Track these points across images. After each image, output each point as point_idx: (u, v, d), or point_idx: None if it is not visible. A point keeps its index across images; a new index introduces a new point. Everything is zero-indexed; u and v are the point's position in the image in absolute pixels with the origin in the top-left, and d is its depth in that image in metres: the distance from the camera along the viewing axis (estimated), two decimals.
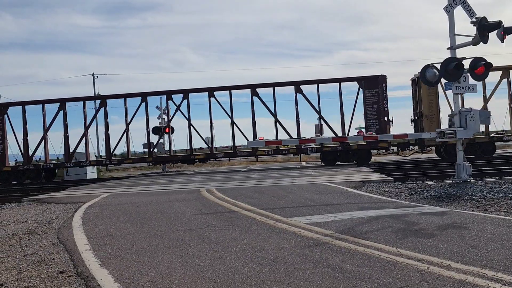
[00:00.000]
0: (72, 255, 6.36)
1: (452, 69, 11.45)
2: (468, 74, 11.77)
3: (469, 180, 12.07)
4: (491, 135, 24.18)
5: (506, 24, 11.41)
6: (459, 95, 12.29)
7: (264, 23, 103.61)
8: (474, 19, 11.28)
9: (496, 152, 24.94)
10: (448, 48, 11.93)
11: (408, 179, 14.69)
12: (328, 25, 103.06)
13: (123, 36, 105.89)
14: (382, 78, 24.36)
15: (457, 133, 11.84)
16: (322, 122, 25.13)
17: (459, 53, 11.92)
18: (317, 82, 25.13)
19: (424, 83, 12.49)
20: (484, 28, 11.15)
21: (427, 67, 12.06)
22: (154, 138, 27.35)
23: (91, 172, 33.07)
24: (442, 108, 24.37)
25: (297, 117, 24.97)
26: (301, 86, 25.13)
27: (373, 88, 24.22)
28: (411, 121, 26.07)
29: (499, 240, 5.80)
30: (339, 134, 24.47)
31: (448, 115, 12.34)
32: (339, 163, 24.73)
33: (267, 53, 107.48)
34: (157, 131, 27.58)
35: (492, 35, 11.48)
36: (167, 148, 27.19)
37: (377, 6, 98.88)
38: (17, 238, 8.12)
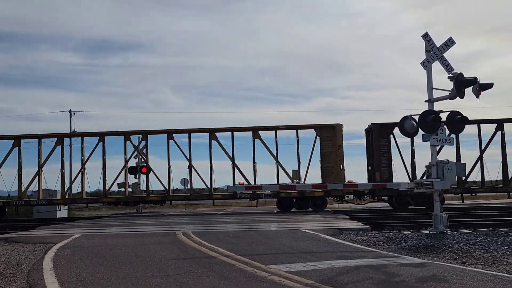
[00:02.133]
0: None
1: (430, 122, 11.76)
2: (445, 126, 12.10)
3: (445, 231, 12.17)
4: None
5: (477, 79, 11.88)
6: (436, 147, 12.54)
7: (246, 68, 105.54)
8: (451, 75, 11.72)
9: (468, 202, 25.38)
10: (426, 101, 12.30)
11: (385, 228, 14.73)
12: (309, 72, 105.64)
13: (104, 74, 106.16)
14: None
15: (434, 184, 12.02)
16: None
17: (436, 106, 12.28)
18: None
19: (403, 134, 12.76)
20: (461, 84, 11.57)
21: (405, 119, 12.36)
22: (131, 178, 27.04)
23: (62, 210, 32.22)
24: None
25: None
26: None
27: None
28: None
29: None
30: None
31: (426, 166, 12.56)
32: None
33: (248, 97, 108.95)
34: (133, 170, 27.23)
35: (468, 90, 11.92)
36: (143, 188, 26.78)
37: (356, 56, 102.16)
38: None
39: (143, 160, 27.17)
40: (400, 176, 24.46)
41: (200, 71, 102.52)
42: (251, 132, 25.41)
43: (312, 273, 7.26)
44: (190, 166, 25.41)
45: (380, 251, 10.02)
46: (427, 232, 12.85)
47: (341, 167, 24.34)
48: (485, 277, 6.96)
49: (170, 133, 25.73)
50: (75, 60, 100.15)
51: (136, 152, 27.01)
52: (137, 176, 27.30)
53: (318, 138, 24.91)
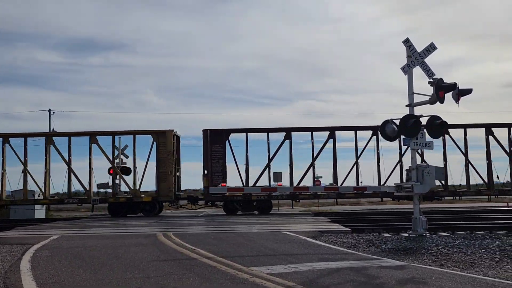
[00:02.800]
0: None
1: (410, 126, 11.93)
2: (425, 130, 12.28)
3: (424, 234, 12.34)
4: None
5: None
6: (416, 151, 12.72)
7: (228, 70, 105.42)
8: (431, 80, 11.90)
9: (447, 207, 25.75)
10: (406, 105, 12.46)
11: (365, 231, 14.84)
12: (291, 75, 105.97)
13: (85, 74, 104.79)
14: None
15: (414, 188, 12.18)
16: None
17: (417, 111, 12.46)
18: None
19: (384, 138, 12.91)
20: (441, 89, 11.76)
21: (386, 122, 12.51)
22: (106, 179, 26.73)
23: (39, 210, 31.65)
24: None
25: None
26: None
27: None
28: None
29: None
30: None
31: (406, 170, 12.72)
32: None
33: (230, 99, 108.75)
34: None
35: (447, 95, 12.12)
36: (123, 189, 26.49)
37: (338, 61, 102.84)
38: None
39: (123, 161, 26.90)
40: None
41: (184, 72, 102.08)
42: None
43: (294, 275, 7.29)
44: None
45: (361, 253, 10.11)
46: (407, 235, 13.01)
47: (170, 173, 24.38)
48: (463, 279, 7.08)
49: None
50: (55, 59, 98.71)
51: (117, 153, 26.71)
52: (117, 176, 26.96)
53: (155, 143, 24.92)
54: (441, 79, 11.88)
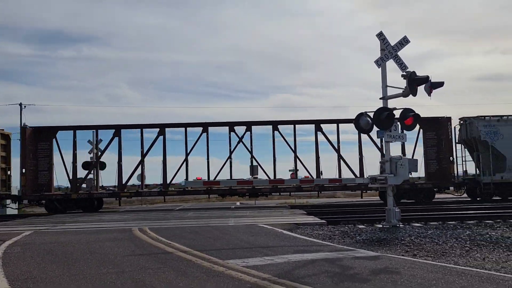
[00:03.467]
0: None
1: (384, 119, 12.08)
2: (399, 123, 12.45)
3: (398, 225, 12.55)
4: None
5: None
6: (390, 143, 12.89)
7: (204, 63, 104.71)
8: (404, 73, 12.07)
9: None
10: (380, 98, 12.61)
11: (341, 223, 15.01)
12: (266, 69, 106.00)
13: (56, 67, 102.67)
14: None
15: (387, 179, 12.36)
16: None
17: (390, 104, 12.62)
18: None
19: (358, 130, 13.07)
20: (414, 82, 11.94)
21: (361, 115, 12.64)
22: (84, 173, 26.38)
23: (10, 207, 30.98)
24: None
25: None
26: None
27: None
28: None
29: (429, 286, 6.01)
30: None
31: (380, 162, 12.91)
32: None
33: (205, 92, 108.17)
34: (87, 166, 26.58)
35: (420, 88, 12.30)
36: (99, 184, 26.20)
37: (314, 54, 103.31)
38: None
39: (99, 155, 26.58)
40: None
41: (158, 66, 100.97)
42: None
43: (269, 267, 7.33)
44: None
45: (336, 245, 10.23)
46: (381, 226, 13.21)
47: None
48: (435, 268, 7.23)
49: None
50: (25, 52, 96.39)
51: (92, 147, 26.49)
52: (93, 171, 26.63)
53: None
54: (414, 72, 12.05)
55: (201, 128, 25.36)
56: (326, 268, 7.25)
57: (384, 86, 12.61)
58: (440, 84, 12.29)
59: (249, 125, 25.28)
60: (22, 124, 42.58)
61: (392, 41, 12.73)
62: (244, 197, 26.00)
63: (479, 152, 24.23)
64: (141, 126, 25.57)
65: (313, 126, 25.31)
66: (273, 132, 25.11)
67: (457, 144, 24.92)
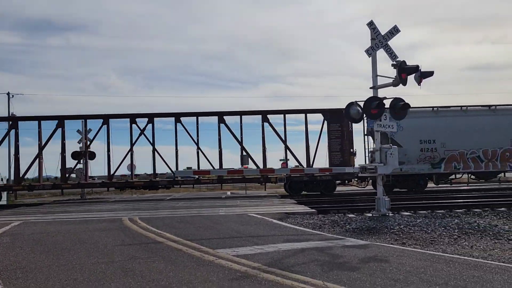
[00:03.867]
0: None
1: (374, 108, 12.10)
2: (389, 112, 12.48)
3: (387, 214, 12.63)
4: None
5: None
6: (379, 133, 12.93)
7: (193, 52, 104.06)
8: (394, 62, 12.07)
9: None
10: (370, 88, 12.62)
11: (331, 212, 15.08)
12: (256, 58, 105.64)
13: (43, 55, 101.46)
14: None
15: (377, 169, 12.42)
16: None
17: (381, 93, 12.63)
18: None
19: (348, 120, 13.08)
20: (404, 71, 11.95)
21: (351, 105, 12.64)
22: (72, 164, 26.26)
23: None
24: None
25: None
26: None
27: None
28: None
29: (417, 273, 6.07)
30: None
31: (370, 151, 12.95)
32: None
33: (195, 82, 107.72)
34: (77, 156, 26.42)
35: (410, 78, 12.33)
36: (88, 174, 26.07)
37: (304, 43, 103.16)
38: None
39: (88, 145, 26.41)
40: None
41: (146, 54, 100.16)
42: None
43: (259, 256, 7.35)
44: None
45: (326, 234, 10.28)
46: (370, 215, 13.29)
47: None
48: (423, 256, 7.30)
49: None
50: (12, 40, 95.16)
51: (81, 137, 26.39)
52: (81, 161, 26.48)
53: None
54: (404, 61, 12.06)
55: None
56: (316, 257, 7.29)
57: (375, 75, 12.61)
58: (430, 74, 12.32)
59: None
60: (10, 113, 42.26)
61: (383, 31, 12.73)
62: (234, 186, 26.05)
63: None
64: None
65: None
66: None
67: (365, 136, 24.93)
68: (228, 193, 31.22)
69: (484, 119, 24.70)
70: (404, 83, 12.04)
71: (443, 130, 24.32)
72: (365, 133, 24.65)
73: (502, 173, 26.27)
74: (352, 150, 24.45)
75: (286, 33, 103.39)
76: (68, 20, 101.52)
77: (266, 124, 25.16)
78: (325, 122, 24.75)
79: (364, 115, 12.72)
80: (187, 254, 7.72)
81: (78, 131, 27.92)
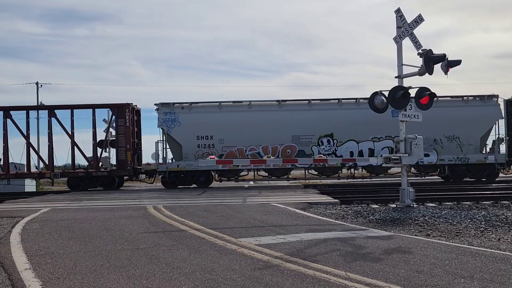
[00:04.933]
0: (10, 274, 6.00)
1: (399, 98, 11.93)
2: (413, 102, 12.29)
3: (412, 205, 12.50)
4: None
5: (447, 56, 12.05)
6: (404, 123, 12.74)
7: (214, 40, 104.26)
8: (420, 51, 11.85)
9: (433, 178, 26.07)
10: (396, 77, 12.44)
11: (354, 202, 15.01)
12: (278, 46, 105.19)
13: (69, 45, 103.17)
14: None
15: (402, 159, 12.27)
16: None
17: (406, 82, 12.44)
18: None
19: (373, 110, 12.91)
20: (430, 60, 11.72)
21: (375, 94, 12.49)
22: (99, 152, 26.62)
23: (30, 185, 31.58)
24: None
25: None
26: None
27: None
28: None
29: (442, 266, 6.00)
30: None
31: (394, 142, 12.80)
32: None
33: (216, 70, 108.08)
34: (102, 144, 26.81)
35: (436, 66, 12.09)
36: (113, 162, 26.45)
37: (324, 31, 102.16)
38: None
39: (112, 134, 26.77)
40: None
41: (169, 43, 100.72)
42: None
43: (282, 246, 7.38)
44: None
45: (349, 224, 10.25)
46: (394, 206, 13.17)
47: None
48: (448, 248, 7.21)
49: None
50: (38, 30, 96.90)
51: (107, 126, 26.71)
52: (107, 150, 26.87)
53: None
54: (430, 50, 11.82)
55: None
56: (338, 247, 7.28)
57: (400, 64, 12.41)
58: (457, 62, 12.06)
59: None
60: (39, 103, 43.21)
61: (409, 19, 12.49)
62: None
63: (161, 140, 24.16)
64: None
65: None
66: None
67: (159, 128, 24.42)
68: (251, 182, 31.31)
69: (268, 114, 23.87)
70: (431, 72, 11.83)
71: (223, 125, 23.62)
72: (158, 125, 24.05)
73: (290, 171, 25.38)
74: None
75: (307, 21, 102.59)
76: (93, 10, 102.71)
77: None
78: None
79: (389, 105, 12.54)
80: (210, 242, 7.80)
81: (104, 120, 28.30)
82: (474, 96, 24.12)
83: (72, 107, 25.02)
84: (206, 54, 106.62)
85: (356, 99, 24.11)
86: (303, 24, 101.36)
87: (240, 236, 8.38)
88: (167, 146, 24.28)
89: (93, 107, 24.99)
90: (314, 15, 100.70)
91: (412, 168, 23.93)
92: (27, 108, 25.67)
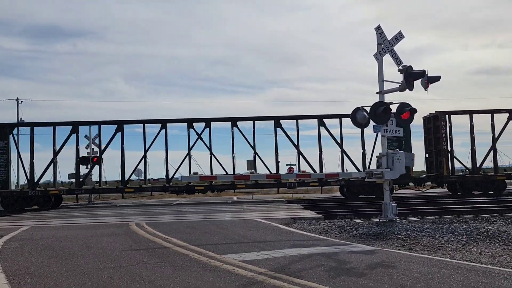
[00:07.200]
0: None
1: (380, 113, 12.07)
2: (394, 118, 12.44)
3: (394, 219, 12.58)
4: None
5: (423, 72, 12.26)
6: (386, 138, 12.90)
7: (198, 57, 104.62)
8: (401, 67, 12.05)
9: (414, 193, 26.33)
10: (377, 93, 12.60)
11: (337, 217, 15.05)
12: (262, 63, 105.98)
13: (51, 61, 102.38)
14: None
15: (384, 174, 12.38)
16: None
17: (387, 98, 12.61)
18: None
19: (355, 125, 13.03)
20: (410, 76, 11.92)
21: (357, 110, 12.63)
22: (81, 169, 26.31)
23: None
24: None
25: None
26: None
27: None
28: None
29: (425, 280, 6.05)
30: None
31: (376, 156, 12.92)
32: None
33: (201, 87, 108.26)
34: (85, 161, 26.50)
35: (416, 82, 12.29)
36: (95, 179, 26.15)
37: (308, 49, 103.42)
38: None
39: (94, 151, 26.51)
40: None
41: (153, 60, 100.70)
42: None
43: (266, 262, 7.35)
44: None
45: (332, 239, 10.26)
46: (377, 220, 13.24)
47: None
48: (431, 262, 7.27)
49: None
50: (19, 46, 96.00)
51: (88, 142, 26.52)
52: (88, 167, 26.56)
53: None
54: (410, 66, 12.04)
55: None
56: (322, 263, 7.28)
57: (381, 80, 12.59)
58: (437, 78, 12.28)
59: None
60: (19, 119, 42.61)
61: (389, 36, 12.71)
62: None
63: None
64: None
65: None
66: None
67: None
68: (235, 198, 31.21)
69: None
70: (411, 88, 12.02)
71: None
72: None
73: None
74: None
75: (291, 38, 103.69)
76: (76, 26, 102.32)
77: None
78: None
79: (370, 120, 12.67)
80: (194, 259, 7.74)
81: (85, 136, 28.02)
82: None
83: None
84: (190, 71, 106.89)
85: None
86: (287, 41, 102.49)
87: (224, 252, 8.33)
88: None
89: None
90: (298, 33, 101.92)
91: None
92: None
